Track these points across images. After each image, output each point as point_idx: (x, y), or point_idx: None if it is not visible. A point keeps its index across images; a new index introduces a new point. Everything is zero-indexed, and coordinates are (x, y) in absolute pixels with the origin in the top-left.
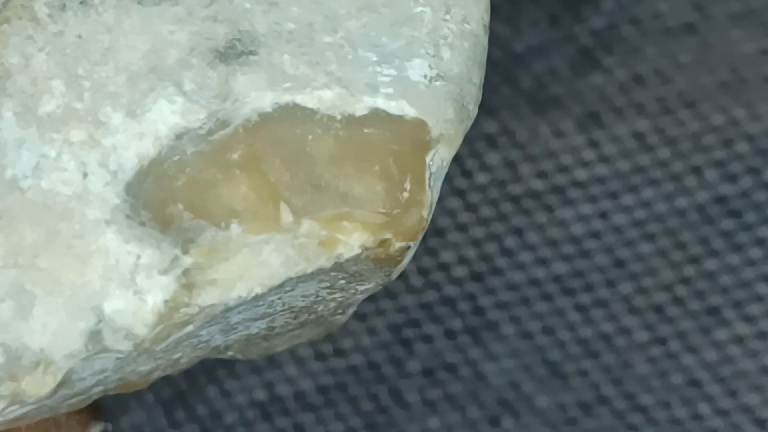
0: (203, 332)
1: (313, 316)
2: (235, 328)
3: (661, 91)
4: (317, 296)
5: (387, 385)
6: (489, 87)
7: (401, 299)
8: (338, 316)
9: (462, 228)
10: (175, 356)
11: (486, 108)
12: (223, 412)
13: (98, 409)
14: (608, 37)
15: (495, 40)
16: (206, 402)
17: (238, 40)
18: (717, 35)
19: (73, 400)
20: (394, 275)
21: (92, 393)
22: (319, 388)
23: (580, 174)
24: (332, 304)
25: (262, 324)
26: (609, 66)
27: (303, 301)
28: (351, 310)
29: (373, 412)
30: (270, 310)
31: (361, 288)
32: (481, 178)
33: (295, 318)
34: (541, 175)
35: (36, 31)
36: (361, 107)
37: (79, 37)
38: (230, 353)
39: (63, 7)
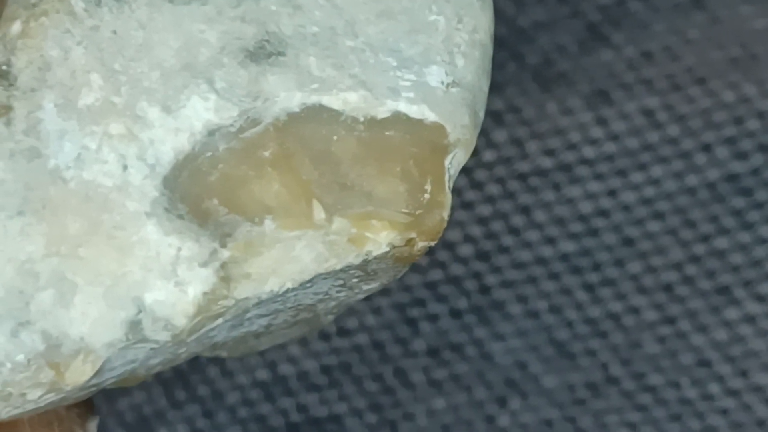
0: (216, 328)
1: (310, 315)
2: (242, 324)
3: (671, 68)
4: (326, 294)
5: (392, 365)
6: (495, 63)
7: (406, 278)
8: (329, 316)
9: (468, 206)
10: (180, 350)
11: (492, 85)
12: (225, 392)
13: (92, 402)
14: (616, 13)
15: (500, 15)
16: (207, 382)
17: (267, 41)
18: (726, 11)
19: (83, 392)
20: (400, 275)
21: (104, 386)
22: (323, 368)
23: (588, 151)
24: (332, 303)
25: (264, 321)
26: (617, 42)
27: (312, 299)
28: (342, 311)
29: (377, 392)
30: (281, 307)
31: (366, 287)
32: (488, 155)
33: (294, 316)
34: (549, 152)
35: (73, 25)
36: (383, 110)
37: (114, 32)
38: (217, 351)
39: (98, 3)
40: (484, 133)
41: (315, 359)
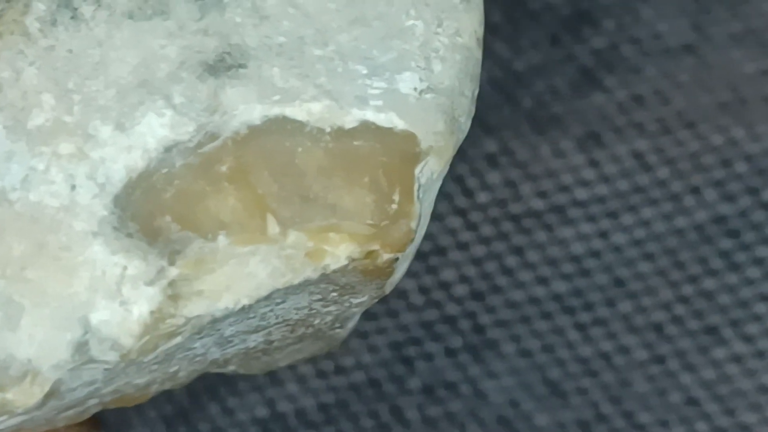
0: (197, 344)
1: (310, 330)
2: (231, 341)
3: (661, 111)
4: (311, 309)
5: (387, 403)
6: (490, 106)
7: (402, 317)
8: (337, 330)
9: (463, 247)
10: (172, 369)
11: (486, 127)
12: (225, 429)
13: (100, 423)
14: (608, 57)
15: (496, 59)
16: (208, 419)
17: (228, 53)
18: (717, 55)
19: (69, 413)
20: (388, 288)
21: (88, 405)
22: (320, 406)
23: (581, 193)
24: (328, 318)
25: (258, 337)
26: (609, 86)
27: (297, 314)
28: (350, 325)
29: (373, 429)
30: (264, 323)
31: (355, 301)
32: (482, 197)
33: (292, 332)
34: (542, 194)
35: (27, 46)
36: (350, 120)
37: (70, 51)
38: (231, 367)
39: (54, 22)
40: (478, 175)
41: (312, 397)
